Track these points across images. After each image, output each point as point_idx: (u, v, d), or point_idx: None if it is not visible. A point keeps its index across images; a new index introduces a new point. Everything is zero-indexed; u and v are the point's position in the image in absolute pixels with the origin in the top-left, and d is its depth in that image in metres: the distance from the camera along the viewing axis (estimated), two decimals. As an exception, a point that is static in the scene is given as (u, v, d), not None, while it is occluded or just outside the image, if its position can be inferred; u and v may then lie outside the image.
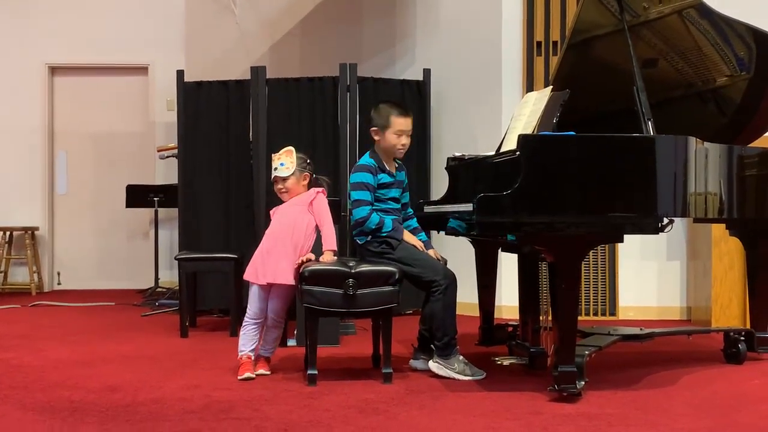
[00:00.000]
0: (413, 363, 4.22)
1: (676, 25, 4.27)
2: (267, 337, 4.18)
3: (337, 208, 4.47)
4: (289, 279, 4.02)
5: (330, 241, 4.06)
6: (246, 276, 4.16)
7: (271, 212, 4.24)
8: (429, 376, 3.99)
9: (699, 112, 4.59)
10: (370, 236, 4.09)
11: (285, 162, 4.14)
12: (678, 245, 6.17)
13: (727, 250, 5.57)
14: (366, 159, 4.18)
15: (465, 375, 3.95)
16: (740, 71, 4.44)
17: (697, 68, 4.43)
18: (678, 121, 4.34)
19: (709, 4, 4.19)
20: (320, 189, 4.19)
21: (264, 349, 4.18)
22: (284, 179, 4.15)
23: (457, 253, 5.01)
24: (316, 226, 4.13)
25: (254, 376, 4.00)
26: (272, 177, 4.20)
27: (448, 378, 3.94)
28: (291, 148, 4.19)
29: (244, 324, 4.16)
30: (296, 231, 4.08)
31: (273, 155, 4.23)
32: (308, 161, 4.22)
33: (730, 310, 5.58)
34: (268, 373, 4.08)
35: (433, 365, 4.00)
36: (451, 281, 4.02)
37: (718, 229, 5.44)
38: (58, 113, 8.65)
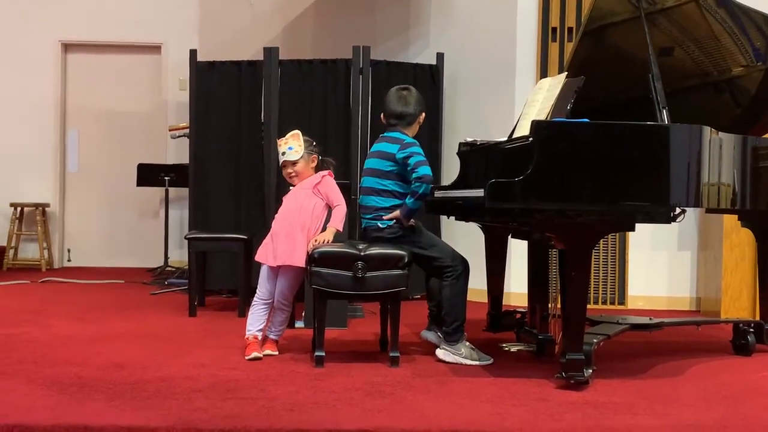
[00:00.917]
0: (424, 334, 4.25)
1: (692, 13, 4.24)
2: (274, 319, 4.18)
3: (347, 191, 4.46)
4: (295, 260, 4.02)
5: (337, 220, 4.07)
6: (257, 257, 4.16)
7: (283, 198, 4.25)
8: (436, 361, 3.99)
9: (714, 101, 4.56)
10: (394, 221, 4.07)
11: (293, 146, 4.13)
12: (689, 235, 6.14)
13: (738, 242, 5.55)
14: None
15: (472, 359, 3.95)
16: (756, 61, 4.41)
17: (713, 57, 4.40)
18: (692, 110, 4.31)
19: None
20: (326, 171, 4.19)
21: (271, 331, 4.18)
22: (294, 163, 4.14)
23: (466, 239, 5.00)
24: (326, 206, 4.13)
25: (261, 355, 4.01)
26: (281, 162, 4.19)
27: (455, 363, 3.94)
28: (297, 131, 4.19)
29: (253, 304, 4.17)
30: (303, 213, 4.08)
31: (279, 140, 4.23)
32: (314, 143, 4.22)
33: (740, 302, 5.56)
34: (276, 353, 4.09)
35: (440, 352, 4.00)
36: (465, 267, 4.05)
37: (730, 220, 5.42)
38: (71, 91, 8.65)
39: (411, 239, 4.09)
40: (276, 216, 4.18)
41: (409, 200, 4.02)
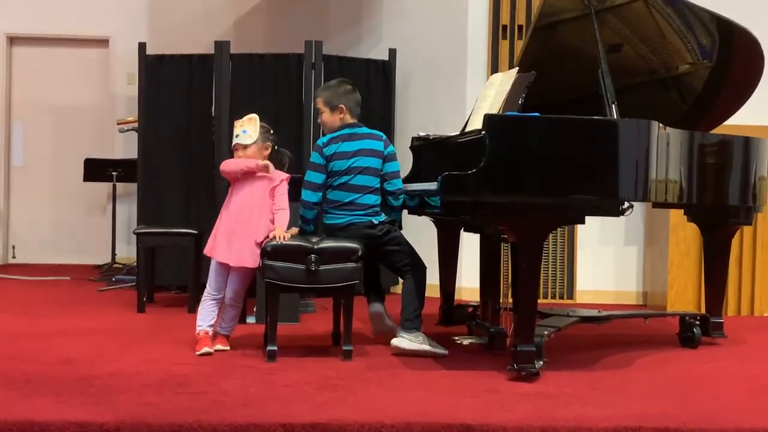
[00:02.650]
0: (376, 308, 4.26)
1: (641, 11, 4.31)
2: (225, 315, 4.14)
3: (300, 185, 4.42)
4: (251, 262, 3.99)
5: (281, 224, 4.00)
6: (205, 251, 4.12)
7: (234, 186, 4.14)
8: (390, 354, 3.99)
9: (661, 98, 4.64)
10: (383, 215, 4.12)
11: (248, 130, 4.07)
12: (636, 231, 6.24)
13: (684, 237, 5.65)
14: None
15: (432, 346, 3.97)
16: (702, 59, 4.49)
17: (661, 55, 4.47)
18: (640, 107, 4.36)
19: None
20: (286, 176, 4.11)
21: (222, 327, 4.14)
22: (245, 147, 4.07)
23: (418, 233, 5.01)
24: None
25: (212, 351, 3.97)
26: (233, 144, 4.12)
27: (415, 352, 3.94)
28: (255, 115, 4.11)
29: (203, 299, 4.12)
30: (257, 213, 4.03)
31: (236, 121, 4.16)
32: (271, 131, 4.15)
33: (685, 296, 5.66)
34: (227, 348, 4.06)
35: (399, 341, 3.97)
36: (421, 260, 4.14)
37: (676, 216, 5.51)
38: (16, 84, 8.47)
39: (395, 236, 4.12)
40: (229, 208, 4.08)
41: (396, 215, 4.20)
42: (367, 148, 4.12)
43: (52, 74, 8.44)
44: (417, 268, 4.09)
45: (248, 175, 4.06)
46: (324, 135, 4.21)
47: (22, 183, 8.48)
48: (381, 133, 4.22)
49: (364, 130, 4.18)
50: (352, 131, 4.15)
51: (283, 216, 4.03)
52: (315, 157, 4.13)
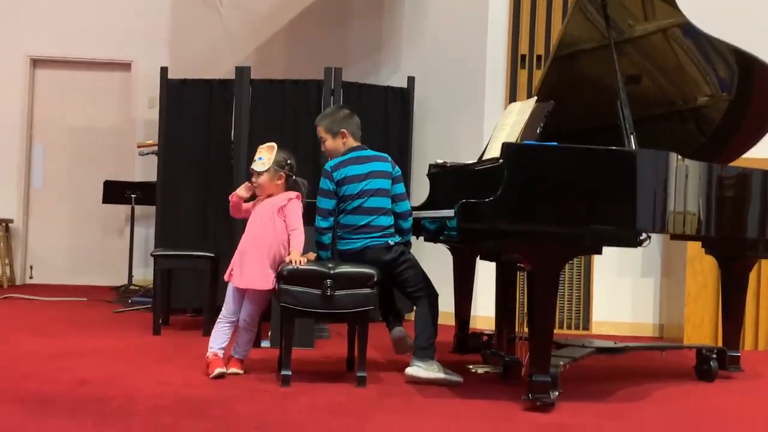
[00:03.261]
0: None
1: (660, 43, 4.32)
2: (239, 339, 4.14)
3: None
4: (260, 285, 4.00)
5: (297, 244, 4.00)
6: (226, 276, 4.13)
7: (251, 204, 4.19)
8: (406, 382, 3.98)
9: (679, 130, 4.63)
10: (397, 236, 4.14)
11: (264, 157, 4.10)
12: (653, 262, 6.21)
13: (701, 269, 5.61)
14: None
15: (446, 374, 3.96)
16: (721, 92, 4.49)
17: (679, 87, 4.47)
18: (658, 138, 4.36)
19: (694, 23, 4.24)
20: (295, 194, 4.13)
21: (236, 351, 4.14)
22: (259, 174, 4.11)
23: (435, 260, 5.01)
24: None
25: (226, 371, 3.97)
26: (250, 169, 4.17)
27: (430, 380, 3.92)
28: (274, 144, 4.15)
29: (217, 321, 4.13)
30: (267, 236, 4.04)
31: (259, 146, 4.20)
32: (288, 161, 4.16)
33: (702, 329, 5.62)
34: (241, 372, 4.06)
35: (414, 369, 3.96)
36: (434, 288, 4.14)
37: (693, 247, 5.49)
38: (39, 106, 8.57)
39: (409, 258, 4.14)
40: (244, 234, 4.15)
41: (407, 237, 4.22)
42: (377, 170, 4.15)
43: (74, 97, 8.53)
44: (430, 295, 4.09)
45: (259, 200, 4.13)
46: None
47: (42, 203, 8.55)
48: (386, 155, 4.25)
49: (370, 152, 4.22)
50: (358, 154, 4.18)
51: (298, 236, 4.03)
52: (325, 183, 4.14)
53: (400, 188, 4.20)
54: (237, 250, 4.12)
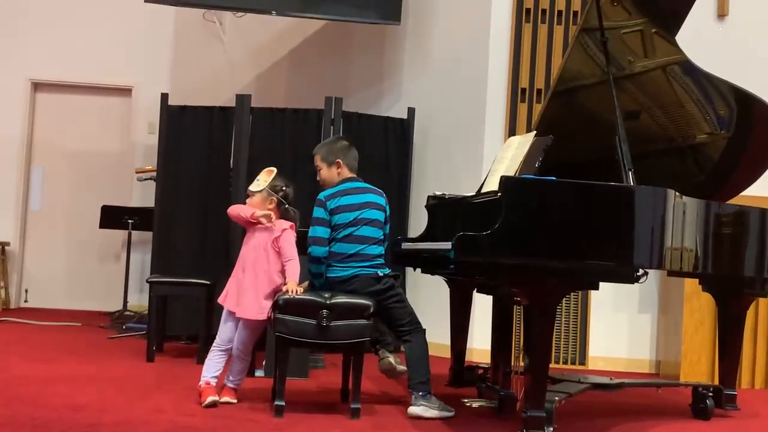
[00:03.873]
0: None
1: (659, 80, 4.34)
2: (233, 367, 4.12)
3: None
4: (256, 315, 3.98)
5: (293, 275, 3.98)
6: (220, 299, 4.13)
7: (245, 238, 4.18)
8: (398, 414, 3.95)
9: (678, 167, 4.64)
10: (387, 269, 4.13)
11: (261, 179, 4.14)
12: (650, 298, 6.20)
13: (698, 306, 5.60)
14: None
15: (446, 410, 3.96)
16: (720, 130, 4.50)
17: (678, 124, 4.49)
18: (657, 174, 4.36)
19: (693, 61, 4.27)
20: (289, 224, 4.11)
21: (230, 379, 4.11)
22: (252, 194, 4.12)
23: (431, 293, 5.01)
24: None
25: (218, 399, 3.95)
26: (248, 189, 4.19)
27: (431, 419, 3.90)
28: (274, 169, 4.17)
29: (211, 350, 4.11)
30: (261, 266, 4.02)
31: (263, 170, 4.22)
32: (284, 188, 4.15)
33: (698, 366, 5.59)
34: (234, 401, 4.03)
35: (419, 409, 3.93)
36: (420, 324, 4.15)
37: (691, 284, 5.47)
38: (39, 130, 8.58)
39: (398, 292, 4.14)
40: (238, 262, 4.12)
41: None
42: (373, 202, 4.18)
43: (74, 121, 8.55)
44: (419, 330, 4.10)
45: (251, 225, 4.09)
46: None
47: (39, 227, 8.54)
48: (381, 190, 4.28)
49: (365, 184, 4.24)
50: (352, 185, 4.20)
51: (293, 266, 4.02)
52: (319, 212, 4.13)
53: (386, 228, 4.24)
54: (232, 277, 4.11)
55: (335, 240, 4.11)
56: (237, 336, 4.07)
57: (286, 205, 4.17)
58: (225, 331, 4.08)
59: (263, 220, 4.05)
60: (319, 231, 4.11)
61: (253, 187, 4.14)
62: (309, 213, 4.23)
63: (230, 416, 3.75)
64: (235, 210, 4.15)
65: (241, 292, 4.03)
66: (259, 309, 3.99)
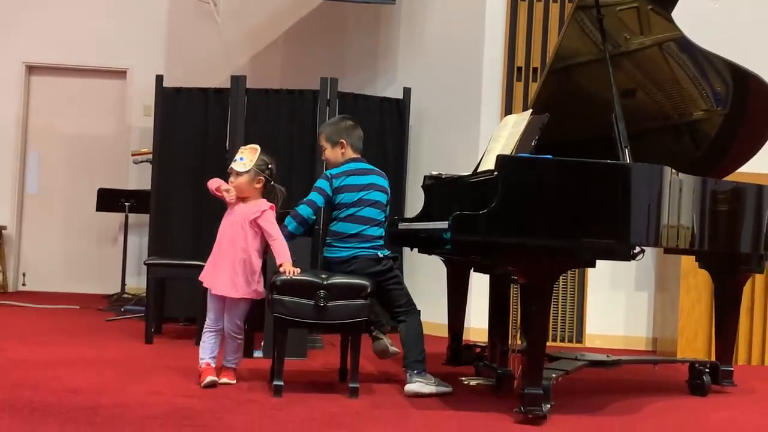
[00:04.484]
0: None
1: (656, 57, 4.33)
2: (227, 348, 4.10)
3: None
4: (231, 293, 3.97)
5: (283, 254, 3.97)
6: (201, 276, 4.11)
7: (224, 217, 4.14)
8: (397, 393, 3.97)
9: (674, 144, 4.63)
10: (386, 250, 4.13)
11: (245, 158, 4.04)
12: (646, 276, 6.21)
13: (695, 284, 5.61)
14: None
15: (443, 386, 3.99)
16: (716, 106, 4.50)
17: (674, 101, 4.48)
18: (654, 151, 4.37)
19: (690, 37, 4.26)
20: (268, 205, 4.05)
21: (226, 360, 4.12)
22: (238, 174, 4.04)
23: (428, 272, 5.01)
24: (260, 235, 4.02)
25: (217, 379, 3.96)
26: (229, 167, 4.10)
27: (432, 395, 3.92)
28: (257, 147, 4.10)
29: (203, 332, 4.12)
30: (237, 245, 3.99)
31: (241, 147, 4.16)
32: (270, 166, 4.10)
33: (695, 344, 5.61)
34: (233, 382, 4.04)
35: (415, 386, 3.95)
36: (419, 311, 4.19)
37: (687, 262, 5.49)
38: (33, 112, 8.55)
39: (396, 274, 4.15)
40: (216, 242, 4.09)
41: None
42: (377, 184, 4.18)
43: (69, 104, 8.52)
44: (414, 312, 4.12)
45: (231, 204, 4.05)
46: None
47: (35, 211, 8.52)
48: (383, 173, 4.29)
49: (369, 166, 4.24)
50: (357, 166, 4.19)
51: (281, 246, 3.99)
52: (323, 184, 4.14)
53: (387, 211, 4.25)
54: (210, 255, 4.09)
55: (337, 219, 4.12)
56: (225, 316, 4.05)
57: (272, 183, 4.12)
58: (212, 312, 4.07)
59: (226, 195, 4.02)
60: (316, 197, 4.11)
61: (238, 167, 4.02)
62: (304, 194, 4.22)
63: (229, 397, 3.76)
64: (209, 183, 4.12)
65: (216, 269, 4.02)
66: (233, 286, 3.97)
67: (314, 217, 4.12)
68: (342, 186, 4.11)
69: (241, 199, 4.06)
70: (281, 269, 3.91)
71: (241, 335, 4.15)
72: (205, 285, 4.09)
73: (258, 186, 4.07)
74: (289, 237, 4.08)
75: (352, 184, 4.12)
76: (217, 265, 4.03)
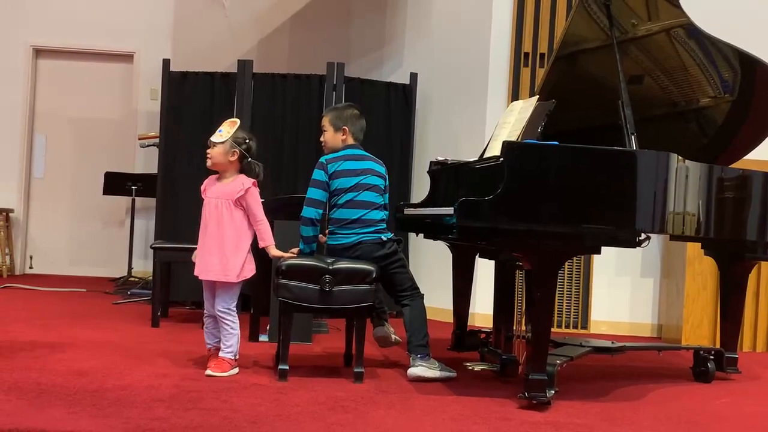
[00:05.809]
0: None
1: (663, 43, 4.31)
2: (221, 334, 3.99)
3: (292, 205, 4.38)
4: (221, 276, 3.92)
5: (267, 238, 3.96)
6: (195, 271, 4.05)
7: (203, 186, 4.09)
8: (401, 378, 3.99)
9: (681, 131, 4.62)
10: (390, 233, 4.15)
11: (223, 129, 4.01)
12: (652, 262, 6.21)
13: (700, 270, 5.61)
14: None
15: (447, 371, 4.00)
16: (724, 93, 4.48)
17: (682, 88, 4.47)
18: (660, 138, 4.37)
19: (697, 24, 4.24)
20: (251, 181, 3.98)
21: (222, 350, 3.96)
22: (214, 144, 3.99)
23: (434, 257, 5.02)
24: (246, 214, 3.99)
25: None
26: (209, 140, 4.05)
27: (435, 379, 3.94)
28: (237, 121, 4.07)
29: (204, 317, 4.12)
30: (223, 227, 3.94)
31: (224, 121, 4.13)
32: (247, 141, 4.02)
33: (700, 330, 5.62)
34: (220, 374, 3.84)
35: (418, 369, 3.96)
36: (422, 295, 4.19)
37: (693, 248, 5.49)
38: (40, 96, 8.57)
39: (401, 257, 4.16)
40: (201, 225, 4.02)
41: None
42: (374, 169, 4.19)
43: (75, 87, 8.54)
44: (418, 295, 4.13)
45: (211, 183, 4.05)
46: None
47: (42, 194, 8.56)
48: (380, 160, 4.29)
49: (366, 153, 4.24)
50: (354, 152, 4.19)
51: (265, 229, 3.98)
52: (318, 174, 4.13)
53: (385, 198, 4.24)
54: (199, 241, 4.03)
55: (336, 206, 4.12)
56: (216, 298, 3.97)
57: (249, 159, 4.04)
58: (207, 300, 4.04)
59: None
60: (315, 193, 4.10)
61: (215, 138, 3.98)
62: (308, 179, 4.21)
63: (234, 380, 3.78)
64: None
65: (204, 253, 3.97)
66: (224, 271, 3.92)
67: (321, 211, 4.10)
68: (338, 171, 4.10)
69: (220, 176, 4.03)
70: (270, 254, 3.93)
71: (232, 318, 3.97)
72: (195, 273, 4.00)
73: (233, 159, 3.99)
74: (314, 240, 4.10)
75: (348, 169, 4.12)
76: (206, 250, 3.97)
